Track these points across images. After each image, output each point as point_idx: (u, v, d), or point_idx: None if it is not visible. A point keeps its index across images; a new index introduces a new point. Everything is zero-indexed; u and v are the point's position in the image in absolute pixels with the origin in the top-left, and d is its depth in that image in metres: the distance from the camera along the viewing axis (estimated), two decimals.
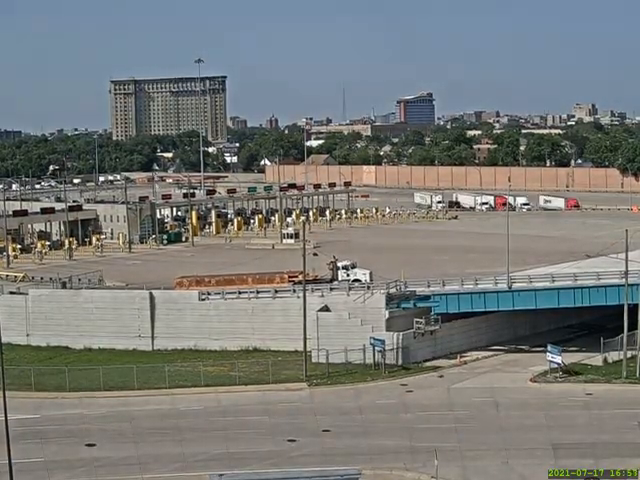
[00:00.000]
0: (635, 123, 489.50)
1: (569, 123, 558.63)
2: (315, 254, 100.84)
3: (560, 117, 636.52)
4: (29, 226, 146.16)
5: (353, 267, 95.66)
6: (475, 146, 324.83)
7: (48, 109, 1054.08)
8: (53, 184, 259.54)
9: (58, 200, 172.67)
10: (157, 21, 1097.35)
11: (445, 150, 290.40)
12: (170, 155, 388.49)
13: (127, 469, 53.13)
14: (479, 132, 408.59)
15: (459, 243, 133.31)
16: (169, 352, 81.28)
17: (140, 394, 68.74)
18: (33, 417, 63.33)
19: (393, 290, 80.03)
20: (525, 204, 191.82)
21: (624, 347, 71.91)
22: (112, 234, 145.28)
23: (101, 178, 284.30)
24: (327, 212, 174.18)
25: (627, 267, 72.42)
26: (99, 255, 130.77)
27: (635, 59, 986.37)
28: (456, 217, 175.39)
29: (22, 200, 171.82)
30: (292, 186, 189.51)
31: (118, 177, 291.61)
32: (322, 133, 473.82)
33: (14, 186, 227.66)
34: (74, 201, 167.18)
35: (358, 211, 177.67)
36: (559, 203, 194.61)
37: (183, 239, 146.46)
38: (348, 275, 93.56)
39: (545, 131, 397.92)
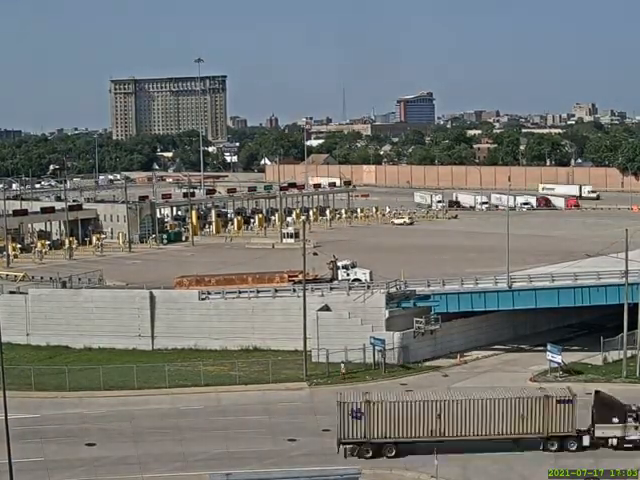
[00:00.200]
0: (635, 122, 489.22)
1: (569, 122, 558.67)
2: (315, 254, 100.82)
3: (560, 116, 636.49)
4: (29, 225, 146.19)
5: (353, 266, 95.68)
6: (475, 146, 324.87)
7: (48, 109, 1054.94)
8: (53, 184, 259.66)
9: (58, 199, 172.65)
10: (157, 21, 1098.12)
11: (445, 150, 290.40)
12: (170, 155, 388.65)
13: (127, 469, 53.13)
14: (479, 132, 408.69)
15: (459, 243, 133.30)
16: (169, 352, 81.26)
17: (140, 394, 68.73)
18: (33, 417, 63.33)
19: (393, 289, 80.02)
20: (484, 202, 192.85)
21: (624, 346, 71.89)
22: (112, 234, 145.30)
23: (101, 177, 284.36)
24: (327, 212, 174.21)
25: (627, 267, 72.40)
26: (99, 255, 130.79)
27: (635, 59, 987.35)
28: (456, 217, 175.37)
29: (22, 199, 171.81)
30: (292, 185, 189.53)
31: (118, 177, 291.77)
32: (322, 133, 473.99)
33: (14, 185, 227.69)
34: (74, 200, 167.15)
35: (358, 211, 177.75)
36: (469, 200, 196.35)
37: (183, 238, 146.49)
38: (348, 274, 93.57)
39: (545, 130, 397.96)
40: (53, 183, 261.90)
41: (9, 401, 49.57)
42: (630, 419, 55.20)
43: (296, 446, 56.80)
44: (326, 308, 78.99)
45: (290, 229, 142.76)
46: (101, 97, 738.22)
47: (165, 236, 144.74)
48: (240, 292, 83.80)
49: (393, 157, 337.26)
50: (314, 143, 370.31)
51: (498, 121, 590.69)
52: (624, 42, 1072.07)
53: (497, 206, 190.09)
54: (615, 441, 54.70)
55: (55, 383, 71.47)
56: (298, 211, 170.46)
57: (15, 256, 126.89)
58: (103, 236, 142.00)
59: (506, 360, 77.66)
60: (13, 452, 47.45)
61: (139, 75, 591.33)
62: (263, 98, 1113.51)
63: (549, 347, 71.70)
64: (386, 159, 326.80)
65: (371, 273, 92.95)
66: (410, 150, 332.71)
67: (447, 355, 77.97)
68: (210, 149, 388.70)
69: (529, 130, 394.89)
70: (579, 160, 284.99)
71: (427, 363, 76.05)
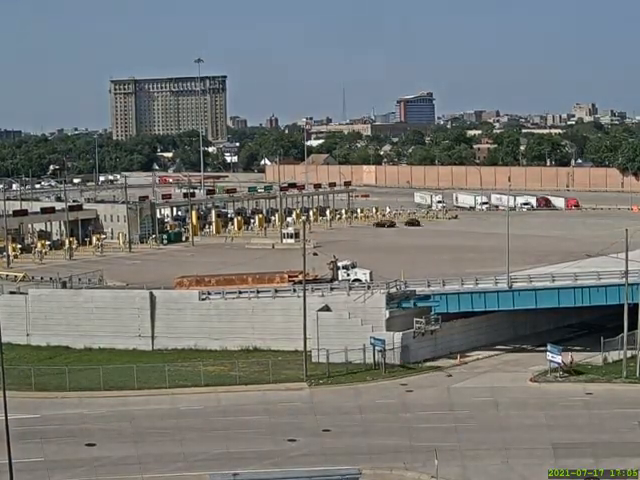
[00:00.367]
0: (635, 123, 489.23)
1: (569, 123, 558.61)
2: (315, 254, 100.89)
3: (560, 117, 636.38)
4: (29, 226, 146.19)
5: (353, 267, 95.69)
6: (475, 146, 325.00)
7: (48, 109, 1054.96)
8: (53, 184, 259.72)
9: (58, 200, 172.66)
10: (157, 21, 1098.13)
11: (445, 150, 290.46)
12: (170, 155, 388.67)
13: (127, 469, 53.12)
14: (479, 132, 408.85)
15: (459, 243, 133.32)
16: (169, 352, 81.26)
17: (140, 394, 68.71)
18: (33, 417, 63.31)
19: (393, 290, 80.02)
20: (484, 203, 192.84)
21: (624, 347, 71.89)
22: (112, 234, 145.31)
23: (101, 178, 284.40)
24: (327, 212, 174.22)
25: (627, 267, 72.40)
26: (99, 255, 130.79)
27: (635, 59, 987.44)
28: (456, 217, 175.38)
29: (22, 200, 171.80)
30: (292, 186, 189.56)
31: (118, 177, 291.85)
32: (322, 133, 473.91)
33: (14, 186, 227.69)
34: (74, 201, 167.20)
35: (358, 211, 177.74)
36: (470, 201, 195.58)
37: (183, 239, 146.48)
38: (348, 275, 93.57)
39: (545, 131, 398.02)
40: (53, 183, 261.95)
41: (9, 401, 49.62)
42: None
43: (296, 446, 56.79)
44: (326, 308, 78.99)
45: (290, 229, 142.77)
46: (101, 97, 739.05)
47: (165, 236, 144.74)
48: (240, 292, 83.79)
49: (393, 157, 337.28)
50: (314, 143, 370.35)
51: (498, 121, 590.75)
52: (624, 42, 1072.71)
53: (497, 206, 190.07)
54: None
55: (55, 383, 71.47)
56: (298, 211, 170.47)
57: (15, 256, 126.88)
58: (103, 236, 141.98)
59: (506, 360, 77.66)
60: (13, 452, 47.48)
61: (139, 75, 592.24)
62: (263, 98, 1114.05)
63: (549, 347, 71.71)
64: (386, 159, 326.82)
65: (371, 273, 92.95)
66: (410, 150, 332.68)
67: (447, 355, 77.97)
68: (210, 149, 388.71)
69: (529, 130, 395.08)
70: (579, 160, 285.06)
71: (427, 363, 76.03)
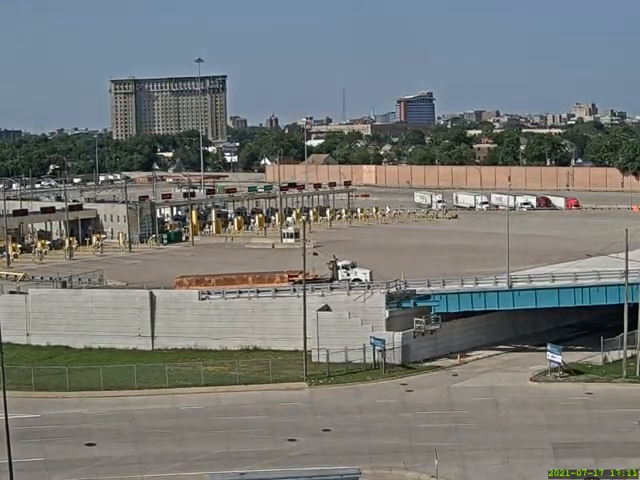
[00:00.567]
0: (635, 122, 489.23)
1: (569, 122, 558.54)
2: (315, 254, 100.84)
3: (560, 117, 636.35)
4: (29, 225, 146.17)
5: (353, 266, 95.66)
6: (475, 145, 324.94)
7: (48, 109, 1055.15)
8: (53, 184, 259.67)
9: (58, 199, 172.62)
10: (157, 21, 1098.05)
11: (445, 149, 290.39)
12: (170, 155, 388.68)
13: (127, 469, 53.12)
14: (479, 131, 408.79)
15: (459, 242, 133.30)
16: (169, 352, 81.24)
17: (140, 394, 68.71)
18: (33, 417, 63.31)
19: (393, 289, 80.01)
20: (484, 202, 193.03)
21: (624, 346, 71.88)
22: (112, 233, 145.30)
23: (101, 178, 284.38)
24: (327, 212, 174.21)
25: (627, 266, 72.39)
26: (99, 255, 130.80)
27: (635, 59, 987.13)
28: (456, 216, 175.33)
29: (22, 200, 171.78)
30: (292, 185, 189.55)
31: (118, 177, 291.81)
32: (322, 133, 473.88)
33: (14, 185, 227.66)
34: (74, 200, 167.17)
35: (358, 211, 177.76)
36: (470, 201, 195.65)
37: (183, 238, 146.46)
38: (348, 274, 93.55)
39: (545, 130, 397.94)
40: (53, 183, 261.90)
41: (9, 401, 49.61)
42: None
43: (296, 446, 56.79)
44: (326, 308, 78.98)
45: (290, 229, 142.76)
46: (101, 97, 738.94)
47: (165, 236, 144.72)
48: (240, 292, 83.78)
49: (393, 157, 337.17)
50: (314, 143, 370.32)
51: (498, 121, 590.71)
52: (624, 42, 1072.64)
53: (497, 206, 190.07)
54: None
55: (55, 383, 71.45)
56: (298, 211, 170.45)
57: (15, 256, 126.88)
58: (103, 236, 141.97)
59: (506, 360, 77.65)
60: (13, 452, 47.49)
61: (139, 75, 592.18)
62: (263, 98, 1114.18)
63: (549, 347, 71.69)
64: (386, 159, 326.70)
65: (371, 273, 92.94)
66: (410, 150, 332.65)
67: (447, 355, 77.97)
68: (210, 149, 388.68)
69: (529, 130, 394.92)
70: (579, 160, 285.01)
71: (427, 363, 76.03)
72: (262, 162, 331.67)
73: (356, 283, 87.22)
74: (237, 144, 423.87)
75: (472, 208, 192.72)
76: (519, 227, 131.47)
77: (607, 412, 62.19)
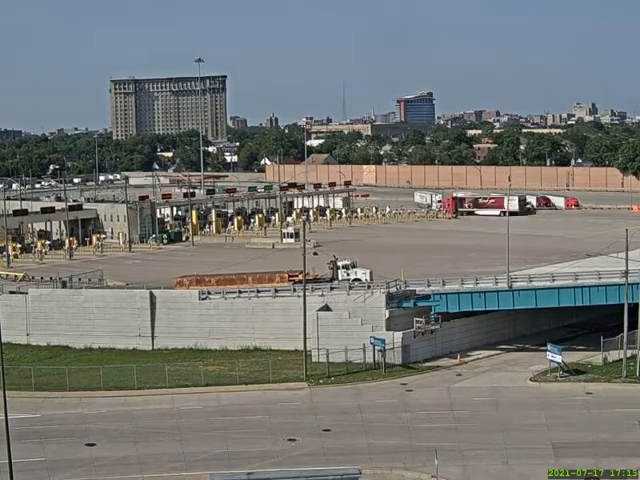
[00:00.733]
0: (635, 122, 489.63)
1: (569, 122, 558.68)
2: (315, 254, 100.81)
3: (560, 116, 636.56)
4: (29, 225, 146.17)
5: (353, 266, 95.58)
6: (475, 145, 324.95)
7: (48, 109, 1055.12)
8: (53, 184, 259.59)
9: (58, 199, 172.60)
10: (157, 21, 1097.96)
11: (445, 149, 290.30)
12: (170, 154, 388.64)
13: (127, 469, 53.13)
14: (479, 131, 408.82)
15: (459, 243, 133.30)
16: (169, 351, 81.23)
17: (140, 394, 68.74)
18: (33, 417, 63.33)
19: (393, 289, 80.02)
20: (439, 201, 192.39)
21: (624, 346, 71.89)
22: (112, 233, 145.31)
23: (101, 178, 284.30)
24: (327, 212, 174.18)
25: (627, 266, 72.39)
26: (99, 254, 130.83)
27: (635, 59, 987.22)
28: (456, 217, 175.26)
29: (22, 199, 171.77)
30: (292, 185, 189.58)
31: (118, 177, 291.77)
32: (322, 132, 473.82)
33: (14, 186, 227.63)
34: (74, 200, 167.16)
35: (358, 210, 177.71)
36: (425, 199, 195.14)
37: (183, 238, 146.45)
38: (348, 274, 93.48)
39: (545, 130, 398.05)
40: (53, 183, 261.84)
41: (9, 401, 49.60)
42: None
43: (296, 446, 56.82)
44: (326, 308, 78.98)
45: (290, 229, 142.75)
46: (101, 97, 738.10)
47: (165, 236, 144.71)
48: (240, 292, 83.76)
49: (393, 157, 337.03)
50: (314, 143, 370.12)
51: (498, 121, 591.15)
52: (624, 42, 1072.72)
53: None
54: None
55: (55, 383, 71.46)
56: (298, 211, 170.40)
57: (15, 256, 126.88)
58: (103, 236, 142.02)
59: (506, 360, 77.64)
60: (13, 452, 47.44)
61: (139, 75, 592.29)
62: (263, 98, 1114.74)
63: (549, 347, 71.70)
64: (386, 159, 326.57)
65: (371, 273, 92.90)
66: (410, 150, 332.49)
67: (447, 355, 77.96)
68: (210, 149, 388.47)
69: (529, 130, 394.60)
70: (579, 160, 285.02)
71: (427, 363, 76.01)
72: (262, 162, 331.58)
73: (356, 283, 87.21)
74: (237, 144, 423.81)
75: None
76: (519, 227, 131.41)
77: (607, 412, 62.20)
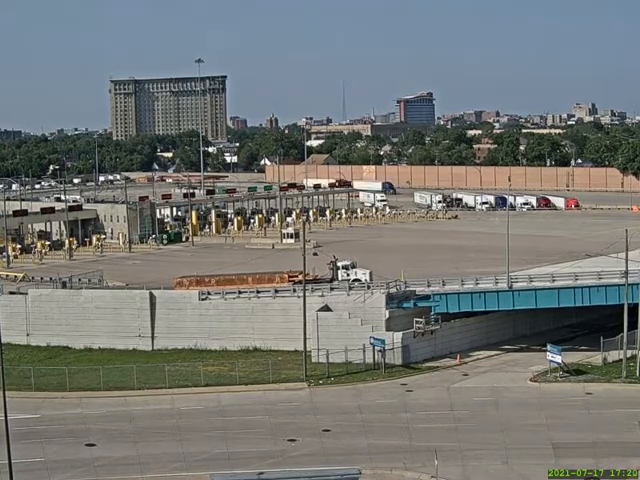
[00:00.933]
0: (635, 123, 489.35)
1: (569, 123, 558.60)
2: (315, 254, 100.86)
3: (560, 117, 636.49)
4: (29, 226, 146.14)
5: (353, 267, 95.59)
6: (475, 146, 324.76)
7: (48, 109, 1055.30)
8: (53, 184, 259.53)
9: (58, 200, 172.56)
10: (157, 21, 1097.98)
11: (445, 150, 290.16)
12: (170, 155, 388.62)
13: (127, 469, 53.16)
14: (479, 132, 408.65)
15: (459, 243, 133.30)
16: (169, 352, 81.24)
17: (140, 394, 68.76)
18: (33, 417, 63.34)
19: (393, 290, 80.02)
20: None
21: (624, 346, 71.88)
22: (112, 234, 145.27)
23: (101, 178, 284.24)
24: (327, 212, 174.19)
25: (627, 267, 72.40)
26: (99, 255, 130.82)
27: (635, 59, 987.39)
28: (456, 217, 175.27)
29: (22, 200, 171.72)
30: (292, 186, 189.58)
31: (118, 177, 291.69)
32: (322, 133, 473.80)
33: (14, 186, 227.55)
34: (74, 201, 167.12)
35: (358, 211, 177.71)
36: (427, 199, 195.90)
37: (183, 239, 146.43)
38: (348, 275, 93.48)
39: (545, 131, 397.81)
40: (53, 183, 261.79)
41: (9, 401, 49.60)
42: None
43: (296, 446, 56.83)
44: (326, 308, 78.97)
45: (290, 229, 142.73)
46: (101, 97, 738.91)
47: (165, 236, 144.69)
48: (240, 292, 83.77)
49: (393, 157, 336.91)
50: (314, 143, 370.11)
51: (498, 121, 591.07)
52: (624, 42, 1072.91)
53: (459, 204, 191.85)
54: None
55: (55, 383, 71.49)
56: (298, 211, 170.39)
57: (15, 256, 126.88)
58: (103, 236, 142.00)
59: (506, 360, 77.65)
60: (13, 452, 47.44)
61: (139, 75, 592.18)
62: (263, 98, 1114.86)
63: (549, 347, 71.70)
64: (386, 159, 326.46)
65: (371, 273, 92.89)
66: (410, 150, 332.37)
67: (447, 355, 77.97)
68: (210, 149, 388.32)
69: (529, 130, 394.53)
70: (579, 160, 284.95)
71: (427, 363, 76.03)
72: (262, 162, 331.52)
73: (356, 283, 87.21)
74: (237, 144, 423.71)
75: (472, 208, 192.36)
76: (519, 227, 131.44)
77: (607, 412, 62.21)
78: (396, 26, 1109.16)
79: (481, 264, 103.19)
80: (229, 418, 61.71)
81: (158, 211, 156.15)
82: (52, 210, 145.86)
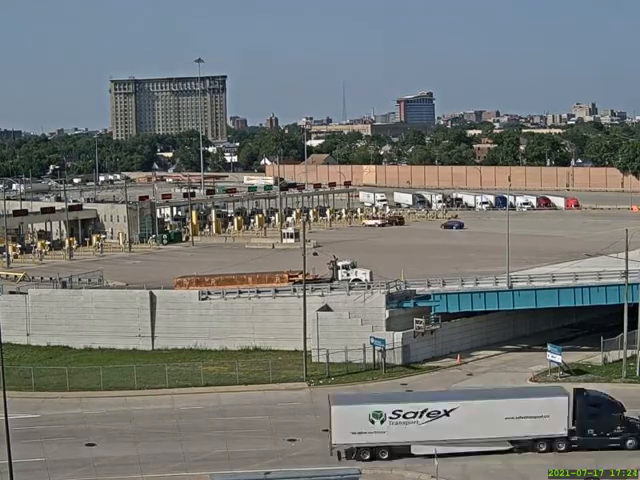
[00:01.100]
0: (635, 122, 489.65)
1: (569, 122, 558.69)
2: (315, 254, 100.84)
3: (560, 116, 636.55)
4: (29, 226, 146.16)
5: (353, 267, 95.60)
6: (475, 145, 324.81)
7: (48, 109, 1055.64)
8: (53, 184, 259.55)
9: (58, 200, 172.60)
10: (157, 21, 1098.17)
11: (445, 149, 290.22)
12: (170, 155, 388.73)
13: (127, 469, 53.18)
14: (479, 131, 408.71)
15: (459, 243, 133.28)
16: (169, 352, 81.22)
17: (140, 394, 68.76)
18: (33, 417, 63.35)
19: (393, 289, 80.00)
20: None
21: (624, 346, 71.89)
22: (112, 234, 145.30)
23: (101, 178, 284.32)
24: (327, 212, 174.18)
25: (627, 267, 72.40)
26: (99, 255, 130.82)
27: (635, 59, 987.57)
28: (456, 216, 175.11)
29: (22, 200, 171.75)
30: (292, 186, 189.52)
31: (118, 177, 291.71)
32: (322, 133, 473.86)
33: (14, 186, 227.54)
34: (74, 201, 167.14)
35: (358, 211, 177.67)
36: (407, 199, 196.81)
37: (183, 239, 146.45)
38: (348, 275, 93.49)
39: (545, 130, 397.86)
40: (53, 183, 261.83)
41: (9, 401, 49.61)
42: None
43: (296, 446, 56.84)
44: (326, 308, 78.96)
45: (290, 229, 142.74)
46: (101, 97, 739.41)
47: (165, 236, 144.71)
48: (240, 292, 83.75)
49: (393, 157, 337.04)
50: (314, 143, 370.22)
51: (498, 121, 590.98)
52: (625, 42, 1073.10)
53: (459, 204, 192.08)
54: None
55: (55, 383, 71.50)
56: (298, 211, 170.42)
57: (15, 256, 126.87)
58: (103, 236, 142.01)
59: (506, 360, 77.65)
60: (13, 452, 47.46)
61: (139, 75, 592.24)
62: (263, 98, 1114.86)
63: (549, 347, 71.70)
64: (386, 159, 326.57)
65: (371, 273, 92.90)
66: (410, 150, 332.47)
67: (447, 355, 77.97)
68: (210, 149, 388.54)
69: (529, 130, 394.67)
70: (579, 160, 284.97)
71: (427, 363, 76.03)
72: (262, 162, 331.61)
73: (356, 283, 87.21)
74: (237, 144, 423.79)
75: (472, 208, 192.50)
76: (519, 227, 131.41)
77: None
78: (396, 26, 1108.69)
79: (481, 264, 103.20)
80: (229, 418, 61.74)
81: (158, 211, 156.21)
82: (52, 210, 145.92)
